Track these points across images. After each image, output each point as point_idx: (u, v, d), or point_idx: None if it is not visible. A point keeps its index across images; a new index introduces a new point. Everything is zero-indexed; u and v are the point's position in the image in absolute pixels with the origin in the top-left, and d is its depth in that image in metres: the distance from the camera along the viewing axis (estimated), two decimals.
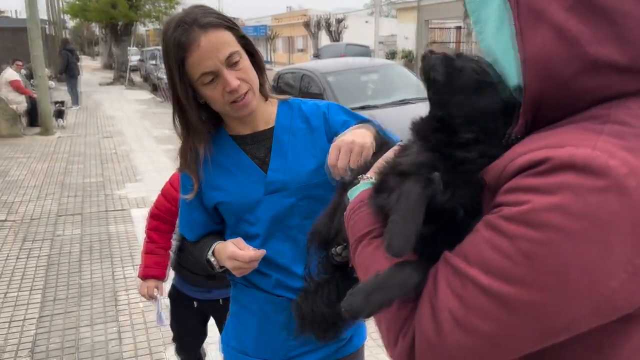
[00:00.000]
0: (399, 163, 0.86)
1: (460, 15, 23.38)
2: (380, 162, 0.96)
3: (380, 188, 0.86)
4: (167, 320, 2.42)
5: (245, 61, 1.36)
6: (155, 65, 20.19)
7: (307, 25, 34.11)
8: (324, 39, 32.69)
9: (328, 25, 32.45)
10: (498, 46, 0.76)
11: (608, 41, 0.64)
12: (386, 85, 7.24)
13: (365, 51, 22.33)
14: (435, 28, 29.05)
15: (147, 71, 22.85)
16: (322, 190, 1.43)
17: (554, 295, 0.61)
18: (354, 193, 0.96)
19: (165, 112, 13.05)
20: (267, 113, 1.50)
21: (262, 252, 1.39)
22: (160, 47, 1.57)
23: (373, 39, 24.00)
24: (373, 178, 0.95)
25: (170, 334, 2.58)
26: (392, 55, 29.19)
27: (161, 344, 3.32)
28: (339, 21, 32.33)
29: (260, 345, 1.56)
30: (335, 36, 31.64)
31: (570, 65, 0.66)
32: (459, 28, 27.44)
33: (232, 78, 1.32)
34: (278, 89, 7.55)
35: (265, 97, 1.49)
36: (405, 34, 29.93)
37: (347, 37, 30.32)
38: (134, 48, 26.12)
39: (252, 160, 1.48)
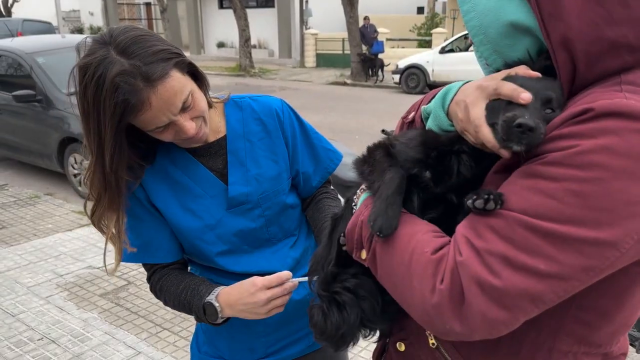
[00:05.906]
0: (394, 145, 0.90)
1: None
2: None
3: (367, 165, 0.92)
4: None
5: (195, 93, 1.18)
6: None
7: None
8: None
9: None
10: (498, 24, 0.77)
11: (623, 22, 0.68)
12: None
13: (47, 28, 20.09)
14: (123, 4, 27.81)
15: None
16: (285, 196, 1.38)
17: (604, 230, 0.62)
18: (360, 203, 0.94)
19: None
20: (214, 122, 1.32)
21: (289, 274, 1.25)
22: None
23: (55, 15, 21.66)
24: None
25: None
26: (79, 32, 26.83)
27: None
28: None
29: (236, 346, 1.42)
30: (5, 10, 27.27)
31: (595, 46, 0.69)
32: (148, 4, 26.90)
33: (188, 124, 1.17)
34: None
35: (210, 105, 1.28)
36: (90, 9, 27.88)
37: (21, 12, 26.48)
38: None
39: (211, 172, 1.32)
